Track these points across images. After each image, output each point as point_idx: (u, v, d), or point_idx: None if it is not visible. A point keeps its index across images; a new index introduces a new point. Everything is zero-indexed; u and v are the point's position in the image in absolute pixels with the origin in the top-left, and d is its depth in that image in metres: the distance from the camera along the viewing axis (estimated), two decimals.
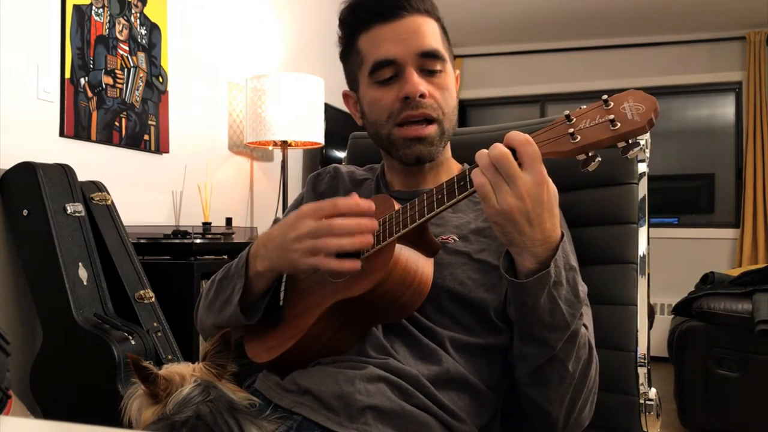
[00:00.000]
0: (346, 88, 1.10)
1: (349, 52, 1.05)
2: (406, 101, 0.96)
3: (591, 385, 0.87)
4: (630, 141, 0.71)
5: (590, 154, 0.74)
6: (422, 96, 0.96)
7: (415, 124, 0.97)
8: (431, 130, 0.98)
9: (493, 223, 0.77)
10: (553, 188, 0.76)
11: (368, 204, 0.84)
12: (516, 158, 0.74)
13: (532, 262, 0.77)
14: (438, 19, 1.02)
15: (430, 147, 0.99)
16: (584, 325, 0.88)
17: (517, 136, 0.74)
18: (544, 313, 0.78)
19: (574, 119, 0.74)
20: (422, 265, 0.85)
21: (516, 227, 0.75)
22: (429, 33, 0.98)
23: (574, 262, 0.80)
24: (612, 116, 0.71)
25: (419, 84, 0.96)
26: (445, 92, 0.99)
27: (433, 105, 0.97)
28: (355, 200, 0.85)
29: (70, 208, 1.86)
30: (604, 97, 0.72)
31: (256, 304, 0.96)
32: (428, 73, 0.98)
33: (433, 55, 0.98)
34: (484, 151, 0.76)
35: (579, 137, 0.73)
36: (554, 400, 0.86)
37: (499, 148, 0.75)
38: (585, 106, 0.74)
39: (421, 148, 0.98)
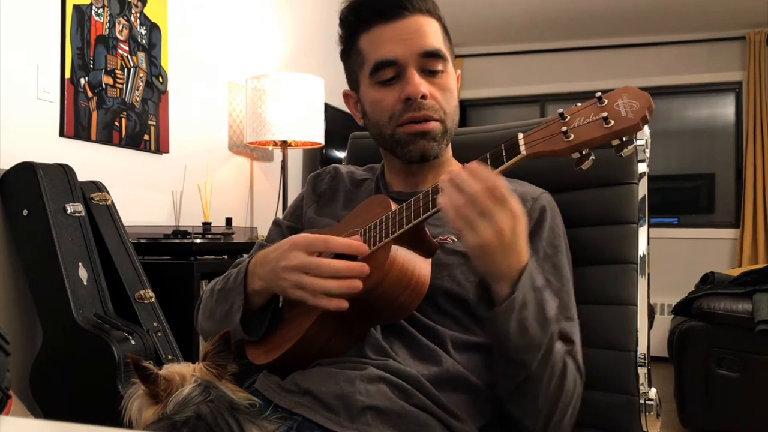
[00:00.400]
0: (346, 87, 1.10)
1: (349, 52, 1.04)
2: (407, 102, 0.96)
3: (569, 398, 0.87)
4: (624, 139, 0.71)
5: (584, 153, 0.73)
6: (423, 97, 0.96)
7: (418, 122, 0.97)
8: (434, 125, 0.98)
9: (472, 257, 0.79)
10: (525, 218, 0.78)
11: (362, 247, 0.84)
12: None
13: (505, 287, 0.79)
14: (439, 19, 1.02)
15: (433, 143, 0.99)
16: (565, 336, 0.89)
17: (491, 178, 0.74)
18: (515, 336, 0.80)
19: (568, 117, 0.73)
20: (419, 265, 0.85)
21: (493, 259, 0.77)
22: (431, 33, 0.98)
23: (540, 282, 0.81)
24: (606, 114, 0.70)
25: (420, 85, 0.95)
26: (446, 93, 0.99)
27: (434, 106, 0.97)
28: (347, 241, 0.84)
29: (70, 208, 1.86)
30: (598, 94, 0.72)
31: (256, 318, 0.96)
32: (430, 74, 0.98)
33: (434, 55, 0.97)
34: (471, 189, 0.75)
35: (572, 135, 0.72)
36: (529, 414, 0.87)
37: (475, 185, 0.75)
38: (579, 104, 0.74)
39: (425, 144, 0.98)
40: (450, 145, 1.08)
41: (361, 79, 1.03)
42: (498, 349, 0.85)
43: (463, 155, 1.11)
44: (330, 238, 0.85)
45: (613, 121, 0.70)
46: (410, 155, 1.00)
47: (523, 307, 0.78)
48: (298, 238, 0.87)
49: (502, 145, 0.77)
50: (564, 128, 0.73)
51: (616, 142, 0.71)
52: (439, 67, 0.98)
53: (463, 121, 5.64)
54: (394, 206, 0.87)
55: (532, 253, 0.93)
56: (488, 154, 0.78)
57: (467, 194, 0.75)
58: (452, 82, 1.01)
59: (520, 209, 0.77)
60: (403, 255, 0.84)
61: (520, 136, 0.76)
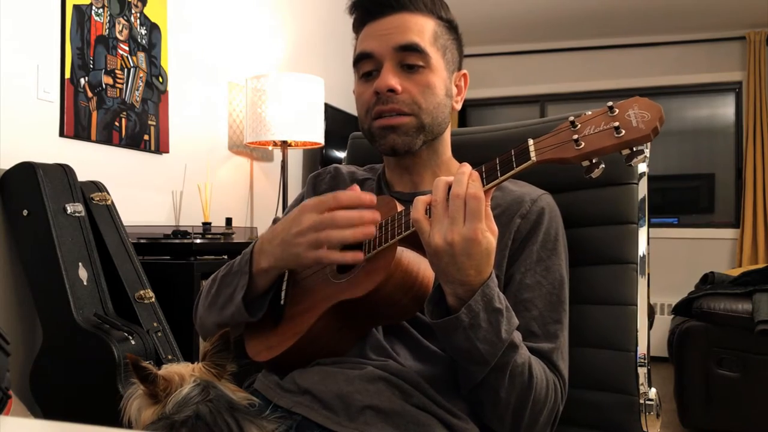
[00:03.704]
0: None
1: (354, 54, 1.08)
2: (378, 96, 0.98)
3: (538, 407, 0.86)
4: (634, 148, 0.71)
5: (594, 161, 0.73)
6: (392, 91, 0.97)
7: (388, 116, 0.99)
8: (404, 120, 0.98)
9: (428, 254, 0.79)
10: (486, 246, 0.76)
11: (370, 196, 0.85)
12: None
13: (453, 299, 0.79)
14: (439, 18, 1.02)
15: (405, 137, 0.99)
16: (552, 343, 0.89)
17: (475, 190, 0.75)
18: (461, 350, 0.80)
19: (579, 125, 0.73)
20: (424, 267, 0.85)
21: (440, 264, 0.77)
22: (413, 29, 0.98)
23: (499, 304, 0.79)
24: (617, 123, 0.70)
25: (389, 79, 0.96)
26: (425, 89, 0.98)
27: (406, 101, 0.97)
28: (356, 193, 0.86)
29: (70, 208, 1.86)
30: (609, 103, 0.72)
31: (259, 301, 0.96)
32: (408, 69, 0.98)
33: (411, 49, 0.97)
34: (455, 181, 0.76)
35: (583, 144, 0.72)
36: (492, 418, 0.87)
37: (458, 188, 0.75)
38: (590, 112, 0.74)
39: (395, 137, 0.99)
40: (449, 146, 1.08)
41: (354, 76, 1.06)
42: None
43: (463, 155, 1.11)
44: (339, 193, 0.86)
45: (624, 131, 0.70)
46: (381, 148, 1.02)
47: (473, 327, 0.78)
48: (307, 201, 0.88)
49: (512, 151, 0.76)
50: (575, 136, 0.73)
51: (626, 151, 0.71)
52: (419, 62, 0.98)
53: (462, 121, 5.66)
54: (399, 207, 0.88)
55: (525, 255, 0.94)
56: (497, 158, 0.77)
57: (451, 194, 0.75)
58: (435, 79, 0.99)
59: (485, 240, 0.75)
60: (408, 256, 0.84)
61: (530, 141, 0.76)
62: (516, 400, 0.84)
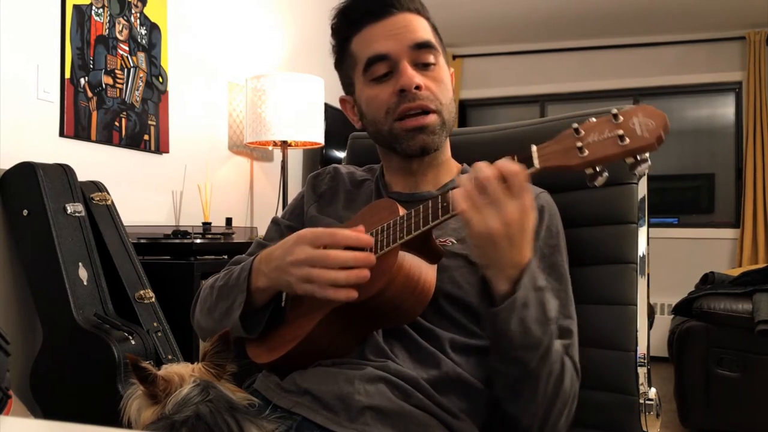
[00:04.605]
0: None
1: (342, 57, 1.06)
2: (402, 94, 0.97)
3: (566, 398, 0.86)
4: (639, 157, 0.71)
5: (598, 169, 0.73)
6: (418, 88, 0.96)
7: (415, 115, 0.98)
8: (432, 119, 0.98)
9: (474, 246, 0.78)
10: (534, 216, 0.77)
11: (367, 239, 0.84)
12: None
13: (506, 284, 0.78)
14: (428, 19, 1.03)
15: (433, 136, 0.99)
16: (568, 338, 0.89)
17: (508, 165, 0.74)
18: (516, 334, 0.79)
19: (583, 132, 0.72)
20: (425, 271, 0.85)
21: (496, 250, 0.76)
22: (420, 27, 1.00)
23: (541, 282, 0.80)
24: (621, 131, 0.70)
25: (414, 76, 0.96)
26: (440, 84, 0.99)
27: (429, 97, 0.98)
28: (355, 234, 0.84)
29: (70, 208, 1.86)
30: (614, 111, 0.71)
31: (256, 317, 0.96)
32: (423, 67, 0.99)
33: (426, 46, 0.98)
34: (479, 168, 0.75)
35: (587, 151, 0.72)
36: (527, 413, 0.87)
37: (488, 170, 0.74)
38: (594, 120, 0.73)
39: (424, 138, 0.98)
40: (449, 146, 1.08)
41: (356, 81, 1.04)
42: (496, 347, 0.85)
43: (462, 155, 1.11)
44: (336, 231, 0.85)
45: (628, 140, 0.69)
46: (410, 150, 0.99)
47: (525, 307, 0.78)
48: (304, 232, 0.87)
49: (515, 156, 0.76)
50: (579, 143, 0.72)
51: (630, 160, 0.71)
52: (432, 59, 0.99)
53: (462, 121, 5.65)
54: (402, 211, 0.87)
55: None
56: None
57: (480, 180, 0.74)
58: (445, 75, 1.02)
59: (533, 205, 0.76)
60: (410, 261, 0.83)
61: (534, 148, 0.75)
62: (552, 388, 0.84)
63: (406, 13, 0.99)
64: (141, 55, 2.44)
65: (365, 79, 1.01)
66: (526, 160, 0.75)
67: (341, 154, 3.40)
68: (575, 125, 0.73)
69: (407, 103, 0.97)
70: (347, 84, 1.08)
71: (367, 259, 0.81)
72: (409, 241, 0.82)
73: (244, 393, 0.87)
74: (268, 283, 0.91)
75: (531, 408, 0.86)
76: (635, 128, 0.70)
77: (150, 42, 2.49)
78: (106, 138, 2.27)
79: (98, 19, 2.25)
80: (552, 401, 0.85)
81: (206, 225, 2.41)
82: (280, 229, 1.13)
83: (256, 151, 3.18)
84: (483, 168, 0.75)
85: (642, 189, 1.13)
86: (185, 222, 2.58)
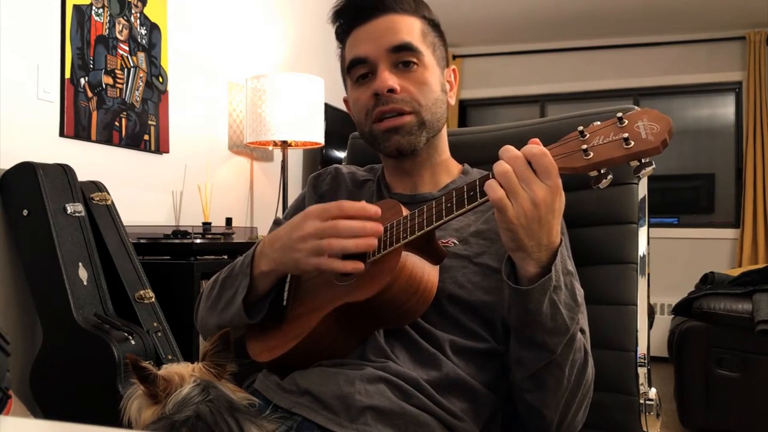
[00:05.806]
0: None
1: (341, 59, 1.08)
2: (377, 98, 0.98)
3: (586, 390, 0.87)
4: (643, 160, 0.71)
5: (602, 171, 0.73)
6: (392, 91, 0.97)
7: (390, 117, 0.99)
8: (406, 119, 0.99)
9: (505, 231, 0.76)
10: (563, 197, 0.77)
11: (374, 208, 0.84)
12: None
13: (535, 267, 0.78)
14: (423, 18, 1.03)
15: (409, 137, 0.99)
16: (581, 330, 0.88)
17: (533, 148, 0.74)
18: (546, 317, 0.78)
19: (588, 135, 0.73)
20: (428, 272, 0.85)
21: (528, 233, 0.75)
22: (403, 29, 1.00)
23: (571, 267, 0.81)
24: (626, 134, 0.70)
25: (387, 79, 0.97)
26: (422, 86, 0.99)
27: (405, 99, 0.98)
28: (361, 204, 0.85)
29: (70, 208, 1.86)
30: (619, 114, 0.72)
31: (259, 304, 0.96)
32: (404, 67, 0.99)
33: (404, 49, 0.98)
34: (508, 153, 0.75)
35: (592, 154, 0.72)
36: (550, 404, 0.86)
37: (516, 153, 0.74)
38: (599, 123, 0.74)
39: (399, 138, 0.99)
40: (447, 146, 1.08)
41: (346, 82, 1.06)
42: (521, 333, 0.83)
43: (462, 155, 1.11)
44: (342, 202, 0.85)
45: (633, 143, 0.70)
46: (386, 150, 1.02)
47: (557, 289, 0.78)
48: (311, 208, 0.88)
49: None
50: (584, 146, 0.73)
51: (634, 163, 0.71)
52: (413, 60, 0.99)
53: (462, 121, 5.65)
54: (405, 212, 0.88)
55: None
56: None
57: (509, 162, 0.74)
58: (430, 76, 1.01)
59: (561, 190, 0.76)
60: (412, 261, 0.84)
61: None
62: (575, 378, 0.84)
63: (392, 14, 1.00)
64: (141, 55, 2.44)
65: (350, 81, 1.04)
66: None
67: (341, 154, 3.40)
68: (581, 128, 0.74)
69: (381, 106, 0.98)
70: (345, 86, 1.10)
71: (375, 227, 0.82)
72: (412, 241, 0.83)
73: (244, 393, 0.87)
74: (272, 265, 0.91)
75: (554, 398, 0.85)
76: (640, 132, 0.70)
77: (150, 42, 2.49)
78: (106, 138, 2.27)
79: (98, 19, 2.24)
80: (574, 392, 0.85)
81: (206, 225, 2.41)
82: None
83: (256, 151, 3.18)
84: (511, 151, 0.75)
85: (642, 189, 1.13)
86: (185, 222, 2.58)
